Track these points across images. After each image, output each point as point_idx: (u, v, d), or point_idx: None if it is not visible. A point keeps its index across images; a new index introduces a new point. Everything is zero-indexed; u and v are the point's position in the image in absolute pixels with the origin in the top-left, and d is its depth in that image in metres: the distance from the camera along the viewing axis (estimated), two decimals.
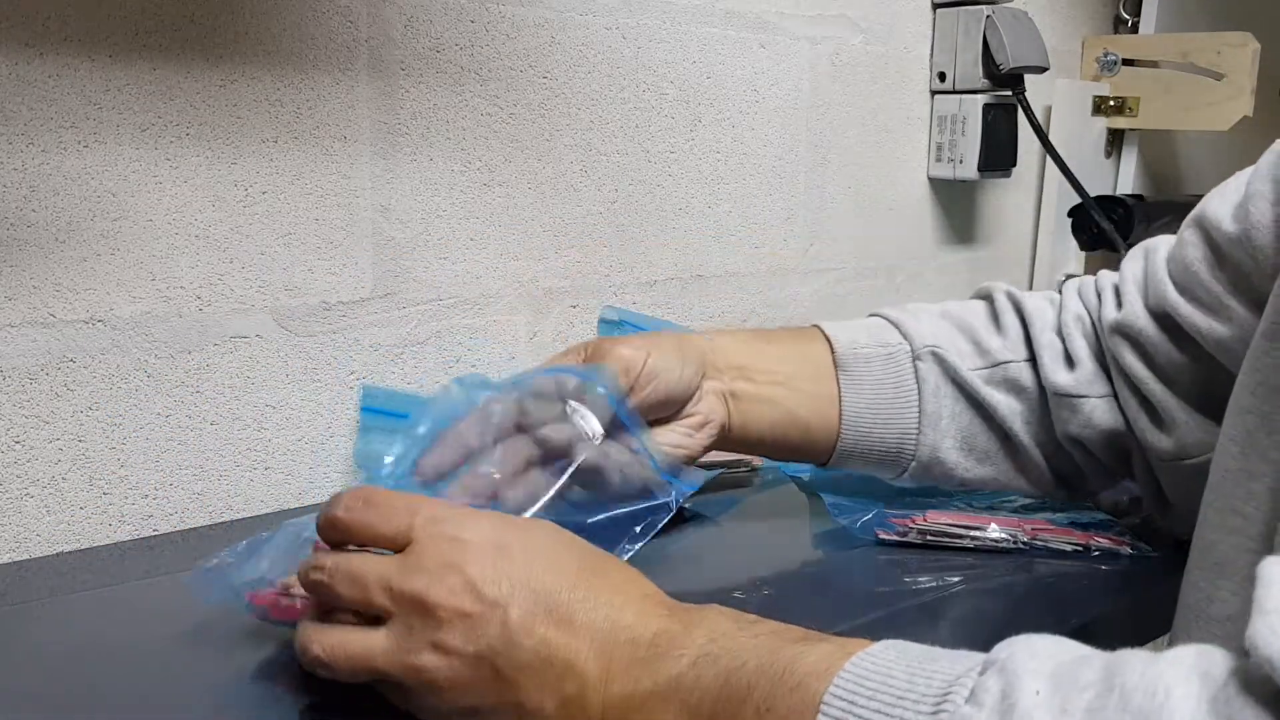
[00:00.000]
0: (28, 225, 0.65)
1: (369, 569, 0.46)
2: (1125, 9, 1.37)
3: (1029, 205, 1.32)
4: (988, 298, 0.74)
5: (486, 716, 0.45)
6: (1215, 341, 0.62)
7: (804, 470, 0.82)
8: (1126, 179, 1.37)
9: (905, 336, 0.70)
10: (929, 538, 0.69)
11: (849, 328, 0.71)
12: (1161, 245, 0.68)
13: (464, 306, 0.85)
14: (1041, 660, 0.34)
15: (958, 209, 1.23)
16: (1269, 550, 0.50)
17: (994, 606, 0.64)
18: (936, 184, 1.19)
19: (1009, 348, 0.70)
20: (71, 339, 0.67)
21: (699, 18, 0.95)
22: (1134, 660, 0.33)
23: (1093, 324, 0.70)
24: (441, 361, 0.84)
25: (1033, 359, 0.70)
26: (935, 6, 1.14)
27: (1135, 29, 1.36)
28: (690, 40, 0.95)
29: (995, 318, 0.72)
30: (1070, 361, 0.69)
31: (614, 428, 0.62)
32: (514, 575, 0.44)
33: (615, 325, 0.92)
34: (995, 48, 1.10)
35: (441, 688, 0.45)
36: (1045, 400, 0.69)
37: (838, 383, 0.69)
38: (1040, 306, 0.72)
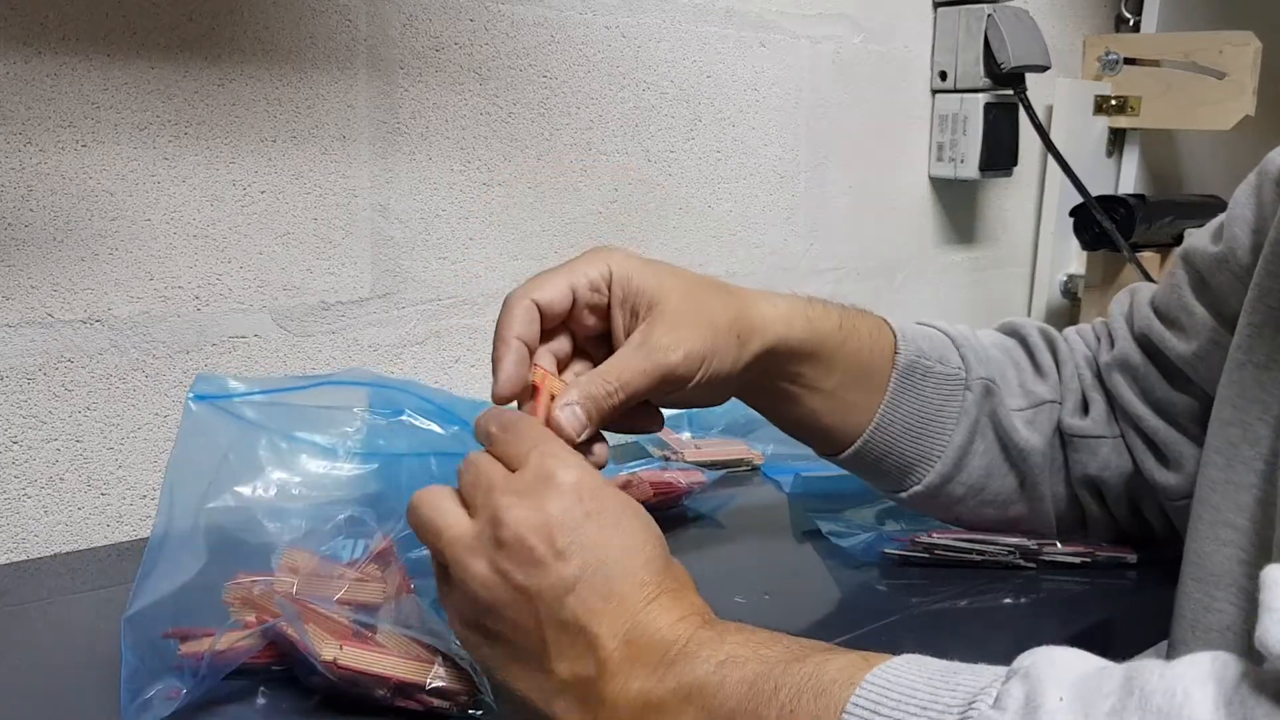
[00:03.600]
0: (25, 225, 0.65)
1: (483, 470, 0.47)
2: (1127, 8, 1.36)
3: (1030, 205, 1.32)
4: (1017, 334, 0.72)
5: (500, 655, 0.46)
6: (1197, 363, 0.62)
7: (786, 472, 0.82)
8: (1128, 178, 1.37)
9: (964, 362, 0.67)
10: (936, 553, 0.68)
11: (913, 332, 0.67)
12: (1144, 288, 0.70)
13: (463, 306, 0.85)
14: (1062, 669, 0.36)
15: (959, 208, 1.23)
16: (1263, 559, 0.50)
17: (998, 613, 0.63)
18: (937, 183, 1.19)
19: (1049, 390, 0.70)
20: (69, 339, 0.67)
21: (699, 17, 0.95)
22: (1152, 666, 0.34)
23: (1096, 368, 0.70)
24: (440, 361, 0.84)
25: (1060, 403, 0.70)
26: (936, 5, 1.14)
27: (1137, 28, 1.36)
28: (690, 40, 0.95)
29: (1032, 357, 0.71)
30: (1085, 405, 0.69)
31: None
32: (589, 538, 0.45)
33: None
34: (996, 47, 1.10)
35: (478, 600, 0.45)
36: (1065, 445, 0.69)
37: (887, 387, 0.64)
38: (1067, 349, 0.71)
